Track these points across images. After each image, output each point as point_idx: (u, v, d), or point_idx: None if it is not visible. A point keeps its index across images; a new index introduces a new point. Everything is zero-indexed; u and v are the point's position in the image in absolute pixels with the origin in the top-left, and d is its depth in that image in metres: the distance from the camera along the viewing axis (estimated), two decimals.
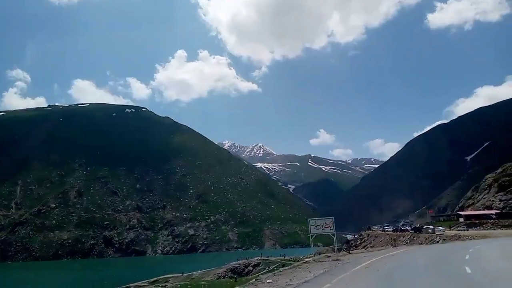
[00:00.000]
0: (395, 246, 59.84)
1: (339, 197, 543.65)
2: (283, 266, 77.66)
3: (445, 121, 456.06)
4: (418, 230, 69.43)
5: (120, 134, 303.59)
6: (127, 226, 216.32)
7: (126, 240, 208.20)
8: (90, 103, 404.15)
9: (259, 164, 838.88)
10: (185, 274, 69.71)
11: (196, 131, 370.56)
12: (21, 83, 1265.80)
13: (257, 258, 76.63)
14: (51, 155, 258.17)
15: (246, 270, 70.62)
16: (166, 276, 70.07)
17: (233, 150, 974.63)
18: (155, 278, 68.47)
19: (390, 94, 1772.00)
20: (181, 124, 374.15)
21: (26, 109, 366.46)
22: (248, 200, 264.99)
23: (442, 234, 59.47)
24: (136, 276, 75.82)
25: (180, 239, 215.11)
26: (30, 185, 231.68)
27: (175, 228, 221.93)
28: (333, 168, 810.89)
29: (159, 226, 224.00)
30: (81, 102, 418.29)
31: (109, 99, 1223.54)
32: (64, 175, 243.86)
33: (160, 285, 58.33)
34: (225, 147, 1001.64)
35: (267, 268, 71.80)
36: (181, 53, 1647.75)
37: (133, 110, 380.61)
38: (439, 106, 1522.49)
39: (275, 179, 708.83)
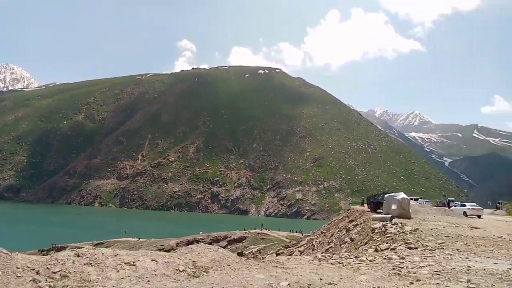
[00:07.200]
0: None
1: (508, 175, 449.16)
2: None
3: None
4: None
5: (245, 94, 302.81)
6: (236, 184, 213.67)
7: (232, 198, 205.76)
8: (229, 66, 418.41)
9: (412, 134, 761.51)
10: (141, 240, 55.39)
11: (329, 92, 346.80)
12: (188, 52, 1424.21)
13: (246, 231, 57.28)
14: (180, 112, 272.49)
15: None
16: (118, 239, 56.96)
17: (385, 118, 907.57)
18: (102, 241, 56.04)
19: None
20: (312, 85, 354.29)
21: (172, 73, 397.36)
22: (372, 168, 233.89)
23: None
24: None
25: (286, 202, 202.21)
26: (157, 139, 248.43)
27: (282, 190, 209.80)
28: (504, 141, 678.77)
29: (267, 187, 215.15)
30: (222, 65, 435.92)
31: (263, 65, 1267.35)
32: (188, 131, 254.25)
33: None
34: (376, 114, 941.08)
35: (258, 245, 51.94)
36: (333, 13, 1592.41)
37: (266, 72, 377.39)
38: None
39: (428, 150, 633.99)
